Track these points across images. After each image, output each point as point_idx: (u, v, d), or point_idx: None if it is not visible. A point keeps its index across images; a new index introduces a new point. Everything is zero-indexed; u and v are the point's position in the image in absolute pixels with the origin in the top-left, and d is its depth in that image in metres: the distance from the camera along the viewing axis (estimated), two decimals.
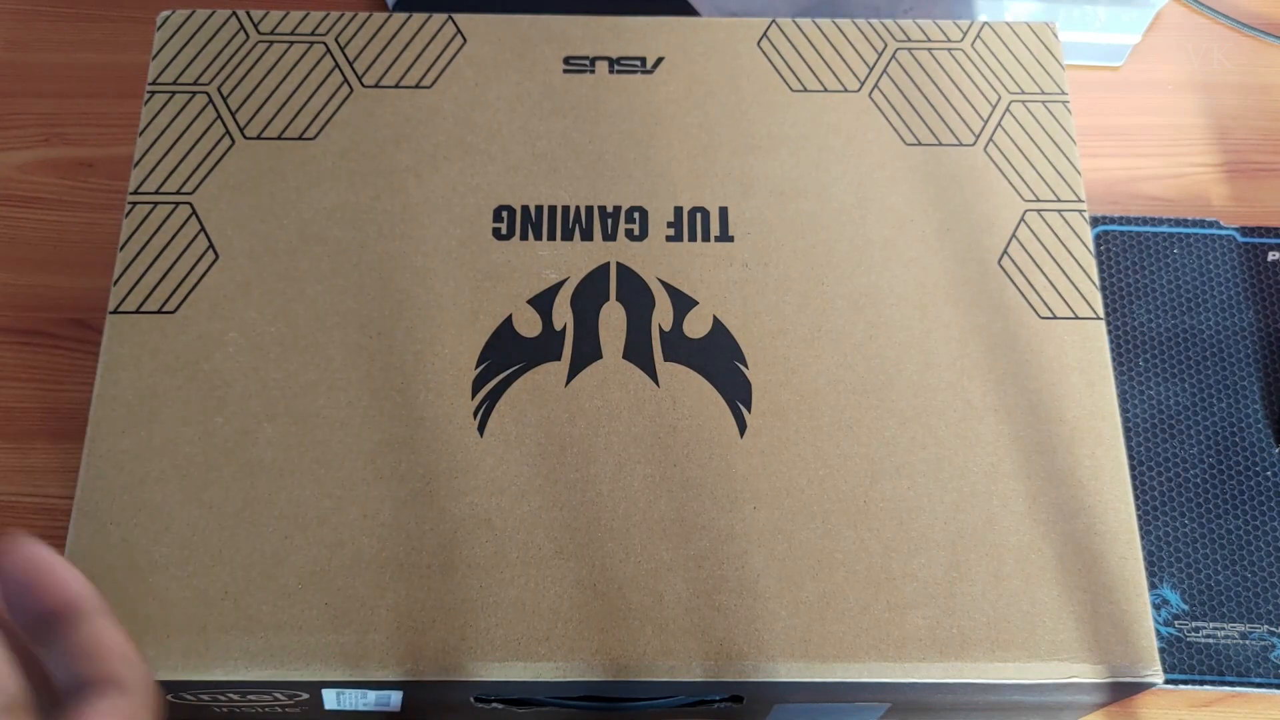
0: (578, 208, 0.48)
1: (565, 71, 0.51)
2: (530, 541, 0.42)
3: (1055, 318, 0.46)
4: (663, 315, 0.46)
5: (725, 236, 0.47)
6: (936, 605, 0.41)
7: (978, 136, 0.50)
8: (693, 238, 0.47)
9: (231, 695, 0.42)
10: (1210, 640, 0.50)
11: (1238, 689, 0.50)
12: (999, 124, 0.50)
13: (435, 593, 0.41)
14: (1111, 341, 0.56)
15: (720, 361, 0.45)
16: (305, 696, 0.42)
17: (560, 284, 0.46)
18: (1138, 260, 0.58)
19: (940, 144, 0.49)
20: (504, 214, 0.48)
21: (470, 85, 0.51)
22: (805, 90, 0.51)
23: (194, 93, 0.50)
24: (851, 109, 0.50)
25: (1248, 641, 0.50)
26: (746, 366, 0.45)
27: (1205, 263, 0.58)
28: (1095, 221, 0.59)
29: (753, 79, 0.51)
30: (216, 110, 0.49)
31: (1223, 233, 0.59)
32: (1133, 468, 0.53)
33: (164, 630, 0.40)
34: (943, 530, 0.42)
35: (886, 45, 0.52)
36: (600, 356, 0.45)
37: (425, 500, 0.42)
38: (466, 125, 0.50)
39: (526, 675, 0.40)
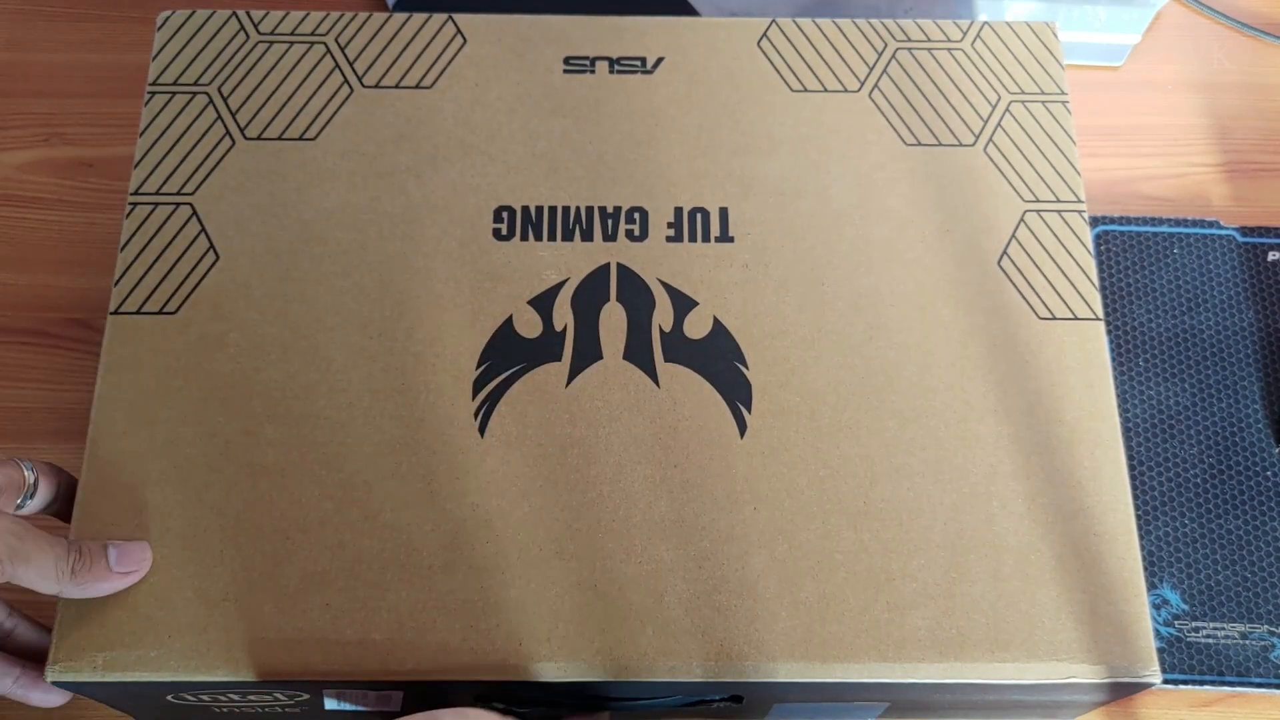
0: (578, 208, 0.48)
1: (565, 71, 0.51)
2: (531, 542, 0.42)
3: (1054, 318, 0.46)
4: (663, 316, 0.46)
5: (725, 237, 0.47)
6: (936, 606, 0.41)
7: (977, 137, 0.50)
8: (693, 238, 0.47)
9: (232, 695, 0.42)
10: (1210, 640, 0.50)
11: (1238, 689, 0.50)
12: (999, 124, 0.50)
13: (436, 593, 0.41)
14: (1111, 341, 0.56)
15: (720, 362, 0.45)
16: (305, 696, 0.42)
17: (561, 284, 0.46)
18: (1138, 260, 0.58)
19: (940, 144, 0.49)
20: (504, 214, 0.48)
21: (470, 85, 0.51)
22: (805, 90, 0.51)
23: (194, 93, 0.50)
24: (851, 109, 0.50)
25: (1248, 641, 0.50)
26: (747, 367, 0.45)
27: (1205, 263, 0.58)
28: (1095, 221, 0.59)
29: (753, 79, 0.51)
30: (217, 111, 0.49)
31: (1223, 233, 0.59)
32: (1132, 468, 0.54)
33: (165, 631, 0.40)
34: (942, 531, 0.42)
35: (886, 45, 0.52)
36: (601, 357, 0.45)
37: (426, 501, 0.42)
38: (467, 126, 0.50)
39: (528, 676, 0.40)
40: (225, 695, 0.42)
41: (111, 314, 0.45)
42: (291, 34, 0.51)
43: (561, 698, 0.42)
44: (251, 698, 0.42)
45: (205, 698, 0.42)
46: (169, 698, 0.42)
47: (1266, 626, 0.51)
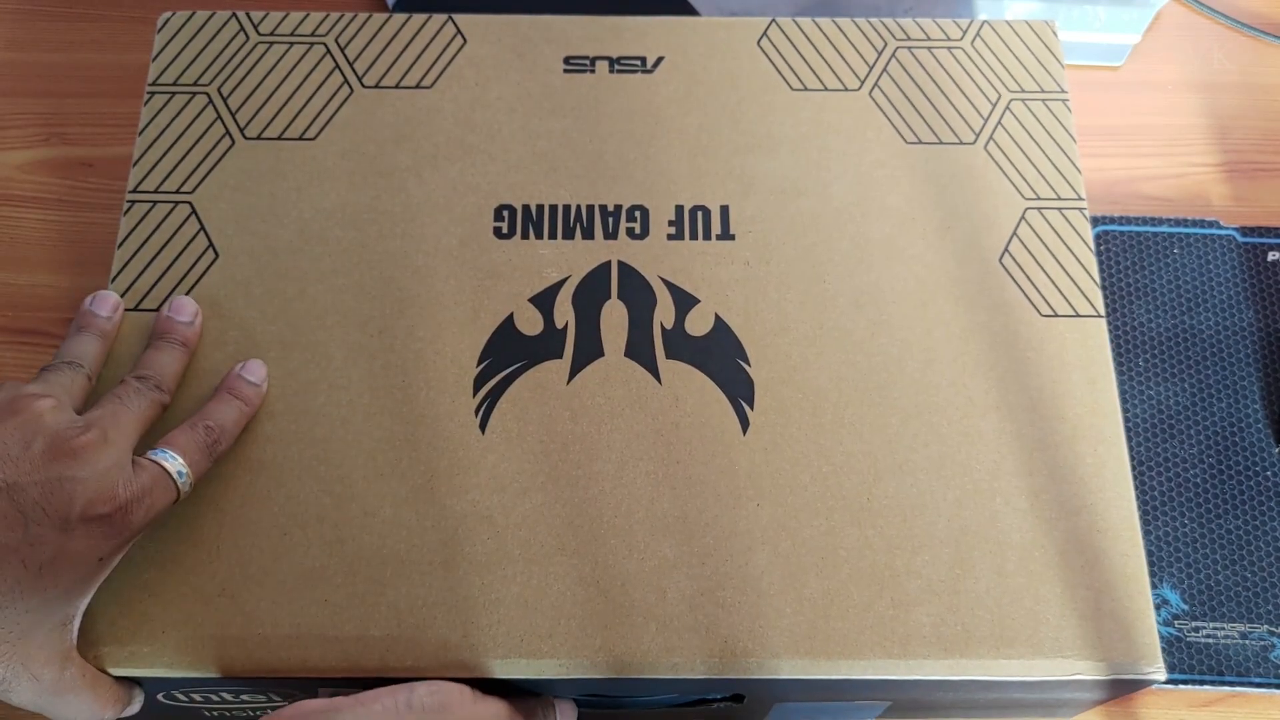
0: (579, 206, 0.48)
1: (565, 71, 0.51)
2: (532, 538, 0.41)
3: (1056, 315, 0.46)
4: (664, 313, 0.46)
5: (726, 235, 0.47)
6: (940, 602, 0.41)
7: (978, 135, 0.50)
8: (694, 236, 0.47)
9: (224, 695, 0.42)
10: (1210, 640, 0.50)
11: (1238, 689, 0.50)
12: (999, 122, 0.50)
13: (436, 590, 0.41)
14: (1112, 341, 0.56)
15: (722, 359, 0.45)
16: (301, 696, 0.42)
17: (561, 282, 0.46)
18: (1138, 260, 0.58)
19: (941, 142, 0.49)
20: (505, 213, 0.48)
21: (470, 85, 0.51)
22: (805, 89, 0.51)
23: (194, 93, 0.50)
24: (852, 108, 0.50)
25: (1248, 641, 0.50)
26: (749, 364, 0.45)
27: (1205, 263, 0.58)
28: (1095, 221, 0.59)
29: (753, 78, 0.51)
30: (216, 111, 0.49)
31: (1223, 233, 0.59)
32: (1133, 468, 0.53)
33: (159, 626, 0.40)
34: (945, 527, 0.42)
35: (886, 44, 0.52)
36: (602, 354, 0.45)
37: (426, 497, 0.42)
38: (467, 125, 0.50)
39: (529, 673, 0.40)
40: (217, 694, 0.42)
41: None
42: (291, 34, 0.51)
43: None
44: (244, 698, 0.42)
45: (197, 698, 0.42)
46: (160, 697, 0.41)
47: (1266, 626, 0.50)
